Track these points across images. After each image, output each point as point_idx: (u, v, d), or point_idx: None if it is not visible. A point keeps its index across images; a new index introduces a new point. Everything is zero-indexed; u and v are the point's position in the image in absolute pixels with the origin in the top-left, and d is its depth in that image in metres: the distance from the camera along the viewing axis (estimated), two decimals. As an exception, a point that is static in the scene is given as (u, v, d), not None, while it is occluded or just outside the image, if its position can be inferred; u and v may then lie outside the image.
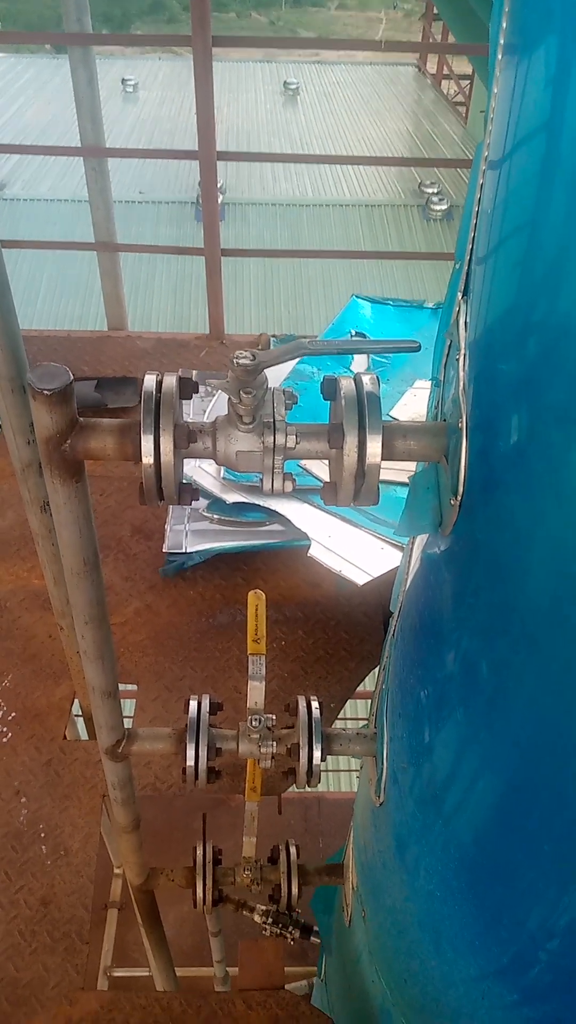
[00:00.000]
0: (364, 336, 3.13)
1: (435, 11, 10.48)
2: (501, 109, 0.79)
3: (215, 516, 2.46)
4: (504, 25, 0.77)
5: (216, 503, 2.47)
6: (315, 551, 2.24)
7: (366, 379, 0.98)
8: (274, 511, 2.41)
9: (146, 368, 3.27)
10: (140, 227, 8.46)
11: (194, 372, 3.24)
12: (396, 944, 1.47)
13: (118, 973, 3.73)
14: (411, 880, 1.30)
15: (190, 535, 2.45)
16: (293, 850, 1.84)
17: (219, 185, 8.66)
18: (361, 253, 7.09)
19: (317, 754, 1.41)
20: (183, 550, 2.43)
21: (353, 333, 3.14)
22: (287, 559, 2.45)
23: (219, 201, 8.56)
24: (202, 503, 2.48)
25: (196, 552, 2.42)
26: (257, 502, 2.46)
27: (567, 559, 0.73)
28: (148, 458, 0.93)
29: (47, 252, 7.50)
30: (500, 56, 0.78)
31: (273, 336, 3.26)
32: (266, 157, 8.06)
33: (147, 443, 0.93)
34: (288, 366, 2.83)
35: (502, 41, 0.78)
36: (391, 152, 10.01)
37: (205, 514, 2.47)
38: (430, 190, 8.77)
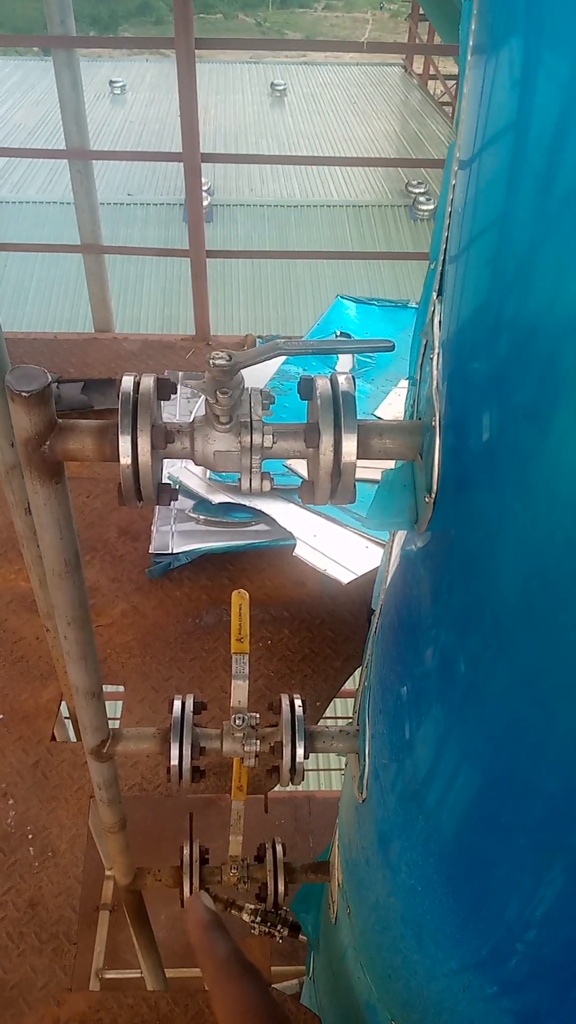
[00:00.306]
0: (349, 336, 3.15)
1: (421, 11, 10.52)
2: (470, 109, 0.80)
3: (201, 516, 2.47)
4: (473, 26, 0.78)
5: (202, 504, 2.48)
6: (300, 550, 2.25)
7: (341, 379, 0.99)
8: (260, 511, 2.42)
9: (132, 369, 3.27)
10: (129, 229, 8.48)
11: (180, 373, 3.25)
12: (380, 939, 1.48)
13: (110, 975, 3.73)
14: (393, 876, 1.31)
15: (176, 536, 2.46)
16: (279, 848, 1.85)
17: (207, 187, 8.72)
18: (345, 254, 7.12)
19: (300, 751, 1.43)
20: (169, 551, 2.43)
21: (338, 333, 3.15)
22: (273, 559, 2.46)
23: (207, 203, 8.61)
24: (188, 504, 2.49)
25: (182, 553, 2.43)
26: (243, 502, 2.47)
27: (535, 555, 0.75)
28: (126, 459, 0.94)
29: (36, 254, 7.51)
30: (469, 56, 0.80)
31: (259, 337, 3.27)
32: (250, 159, 8.09)
33: (125, 444, 0.94)
34: (273, 366, 2.84)
35: (471, 42, 0.79)
36: (378, 152, 10.05)
37: (191, 515, 2.48)
38: (417, 190, 8.82)
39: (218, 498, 2.48)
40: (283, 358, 2.71)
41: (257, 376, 2.91)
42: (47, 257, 7.42)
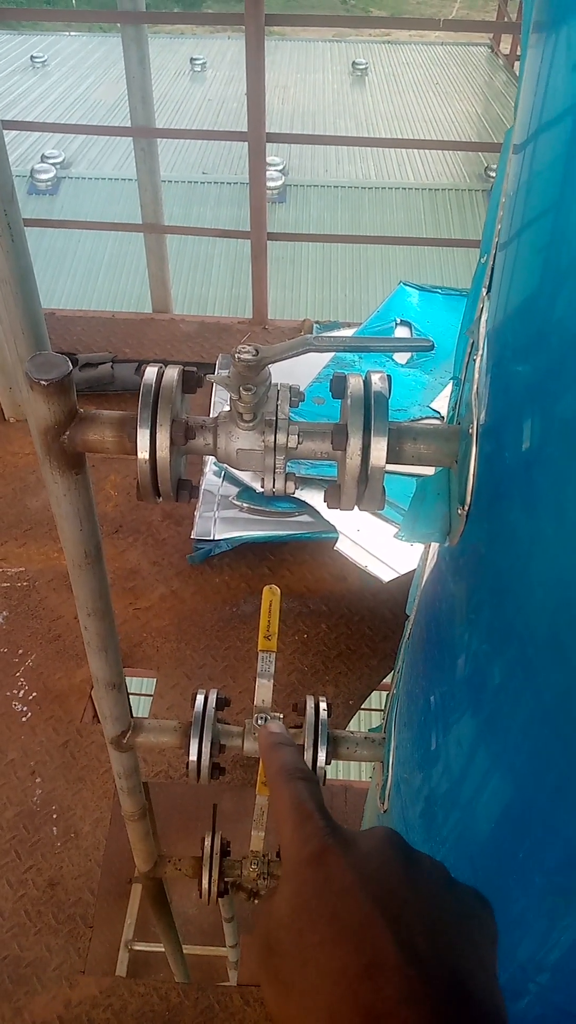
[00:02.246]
0: (410, 325, 3.06)
1: (511, -10, 10.19)
2: (528, 90, 0.74)
3: (244, 504, 2.44)
4: (537, 3, 0.71)
5: (246, 491, 2.45)
6: (342, 545, 2.20)
7: (375, 377, 0.93)
8: (304, 502, 2.38)
9: (188, 352, 3.26)
10: (202, 208, 8.46)
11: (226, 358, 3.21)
12: (395, 955, 1.44)
13: (139, 947, 3.79)
14: (410, 894, 1.27)
15: (219, 522, 2.44)
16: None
17: (282, 167, 8.63)
18: (409, 239, 6.97)
19: (322, 757, 1.39)
20: (211, 537, 2.41)
21: (398, 321, 3.07)
22: (314, 551, 2.42)
23: (281, 183, 8.51)
24: (232, 490, 2.46)
25: (224, 540, 2.40)
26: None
27: (564, 585, 0.68)
28: (143, 453, 0.91)
29: (108, 232, 7.55)
30: (531, 35, 0.73)
31: (316, 323, 3.21)
32: (316, 139, 7.97)
33: (143, 438, 0.90)
34: (328, 354, 2.78)
35: (534, 19, 0.72)
36: (459, 135, 9.80)
37: (235, 502, 2.45)
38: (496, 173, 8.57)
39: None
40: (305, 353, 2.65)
41: (313, 363, 2.86)
42: (117, 235, 7.44)
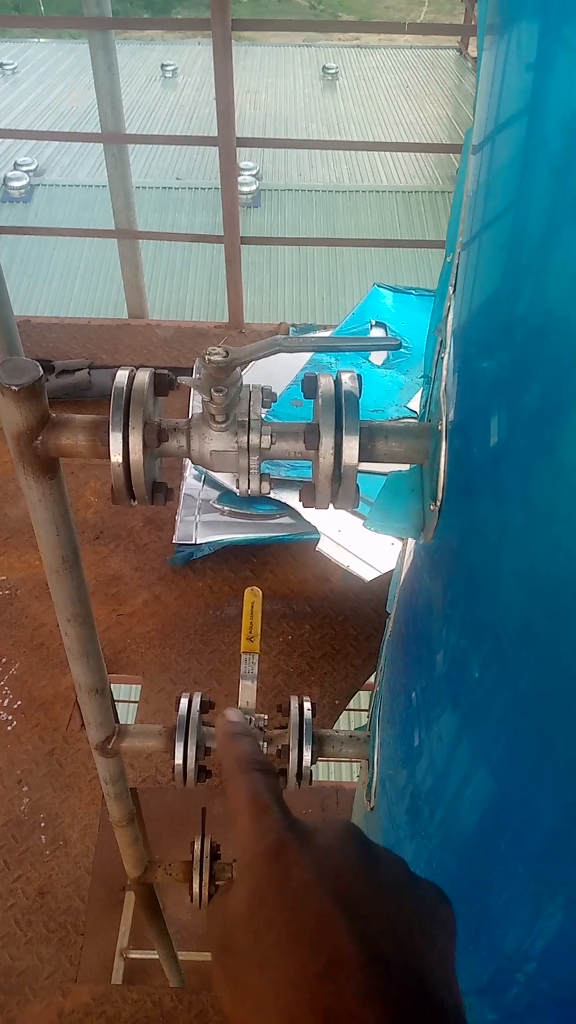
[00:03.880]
0: (385, 326, 3.08)
1: (478, -8, 10.27)
2: (484, 91, 0.75)
3: (226, 508, 2.44)
4: (490, 5, 0.73)
5: (227, 494, 2.45)
6: (324, 546, 2.21)
7: (345, 377, 0.94)
8: (285, 504, 2.38)
9: (165, 357, 3.26)
10: (177, 213, 8.46)
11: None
12: (386, 951, 1.45)
13: (134, 955, 3.77)
14: (397, 889, 1.28)
15: (200, 526, 2.44)
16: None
17: (255, 171, 8.64)
18: (384, 241, 7.00)
19: (308, 756, 1.39)
20: (193, 541, 2.41)
21: (373, 323, 3.09)
22: (297, 552, 2.43)
23: (254, 187, 8.53)
24: (213, 494, 2.46)
25: (206, 543, 2.40)
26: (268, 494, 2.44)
27: (534, 576, 0.69)
28: (116, 456, 0.91)
29: (82, 239, 7.53)
30: (486, 37, 0.75)
31: (292, 326, 3.22)
32: (287, 144, 8.00)
33: (115, 441, 0.90)
34: (305, 357, 2.79)
35: (488, 22, 0.74)
36: (431, 137, 9.86)
37: (216, 505, 2.45)
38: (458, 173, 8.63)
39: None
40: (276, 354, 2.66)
41: (290, 366, 2.87)
42: (93, 241, 7.43)
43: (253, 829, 0.45)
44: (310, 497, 0.96)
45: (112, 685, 1.35)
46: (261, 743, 1.42)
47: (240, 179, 3.16)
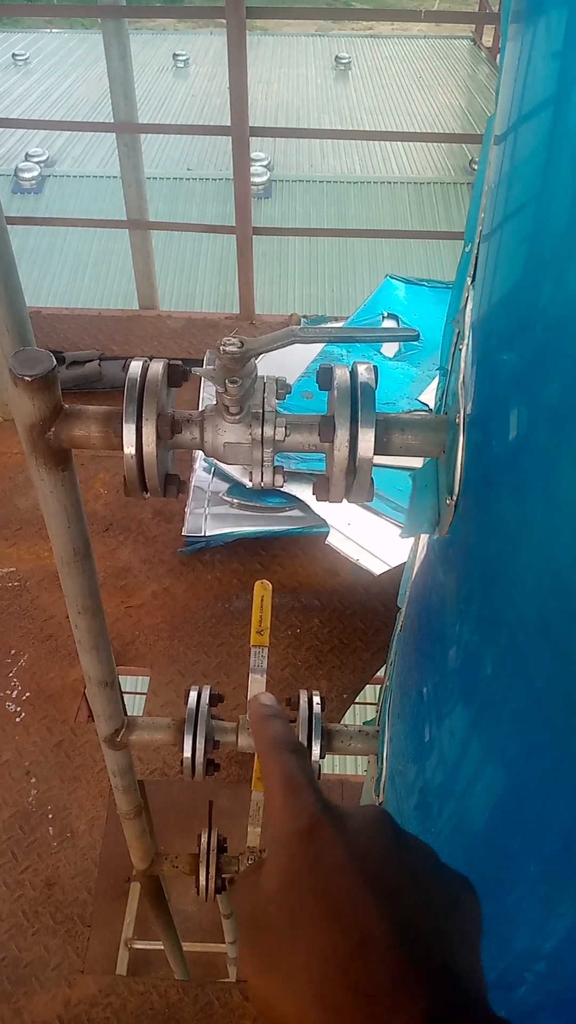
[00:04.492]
0: (396, 318, 3.06)
1: (493, -19, 10.18)
2: (507, 81, 0.74)
3: (235, 500, 2.43)
4: (514, -7, 0.71)
5: (236, 487, 2.44)
6: (333, 539, 2.20)
7: (361, 368, 0.93)
8: (294, 496, 2.37)
9: (175, 348, 3.25)
10: (188, 204, 8.43)
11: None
12: (393, 947, 1.44)
13: (138, 945, 3.79)
14: (406, 885, 1.27)
15: (209, 519, 2.43)
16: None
17: (267, 162, 8.60)
18: (394, 232, 6.97)
19: (316, 751, 1.39)
20: (202, 533, 2.41)
21: (385, 314, 3.07)
22: (306, 545, 2.42)
23: (266, 178, 8.49)
24: (222, 486, 2.46)
25: (215, 536, 2.40)
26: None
27: (552, 573, 0.68)
28: (130, 448, 0.90)
29: (94, 230, 7.51)
30: (510, 26, 0.73)
31: (304, 317, 3.20)
32: (299, 133, 7.96)
33: (129, 433, 0.89)
34: (316, 348, 2.77)
35: (512, 9, 0.72)
36: (443, 128, 9.79)
37: (225, 498, 2.44)
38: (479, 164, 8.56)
39: (254, 481, 2.44)
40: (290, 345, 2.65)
41: (301, 357, 2.85)
42: (103, 232, 7.41)
43: (287, 809, 0.45)
44: (324, 490, 0.95)
45: (120, 677, 1.34)
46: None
47: (252, 170, 3.15)
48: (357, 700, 2.22)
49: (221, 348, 0.89)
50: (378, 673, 2.26)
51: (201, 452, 1.01)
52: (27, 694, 2.16)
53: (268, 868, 0.44)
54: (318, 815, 0.44)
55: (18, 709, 2.13)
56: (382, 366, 2.82)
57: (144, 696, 2.21)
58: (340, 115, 10.15)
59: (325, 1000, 0.36)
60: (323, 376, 0.93)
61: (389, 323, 3.06)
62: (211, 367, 0.89)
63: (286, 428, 0.93)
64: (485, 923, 1.02)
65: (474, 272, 0.88)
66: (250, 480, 0.96)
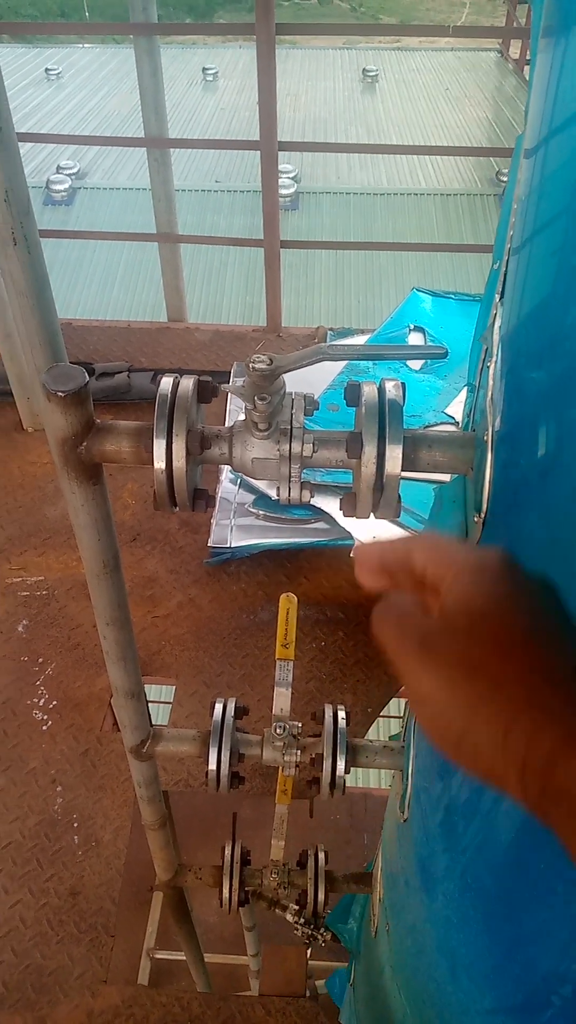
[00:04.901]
0: (423, 330, 3.06)
1: (521, -6, 10.19)
2: (537, 95, 0.74)
3: (260, 512, 2.44)
4: (546, 7, 0.72)
5: (262, 499, 2.45)
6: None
7: (389, 385, 0.93)
8: (320, 509, 2.38)
9: (203, 360, 3.27)
10: (215, 216, 8.49)
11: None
12: (416, 963, 1.43)
13: (160, 955, 3.79)
14: (430, 902, 1.26)
15: (235, 530, 2.44)
16: (322, 856, 1.81)
17: (294, 174, 8.65)
18: (421, 245, 6.96)
19: (341, 766, 1.39)
20: (228, 544, 2.42)
21: (411, 327, 3.07)
22: (331, 558, 2.42)
23: (293, 190, 8.53)
24: (248, 498, 2.47)
25: (240, 547, 2.41)
26: (303, 499, 2.43)
27: (581, 593, 0.68)
28: (160, 463, 0.91)
29: (123, 242, 7.59)
30: (540, 40, 0.73)
31: (330, 329, 3.21)
32: (328, 147, 7.99)
33: (159, 448, 0.90)
34: (342, 361, 2.78)
35: (543, 24, 0.73)
36: (470, 140, 9.79)
37: (251, 510, 2.45)
38: (508, 179, 8.53)
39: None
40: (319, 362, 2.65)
41: (327, 369, 2.86)
42: (132, 244, 7.48)
43: (470, 550, 0.49)
44: (351, 506, 0.95)
45: (146, 687, 1.35)
46: (295, 751, 1.41)
47: (279, 182, 3.17)
48: (383, 713, 2.22)
49: (251, 366, 0.89)
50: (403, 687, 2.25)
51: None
52: (54, 702, 2.18)
53: (469, 591, 0.46)
54: (505, 552, 0.48)
55: (45, 717, 2.15)
56: (408, 379, 2.82)
57: (169, 705, 2.22)
58: (367, 127, 10.19)
59: (534, 703, 0.39)
60: (351, 392, 0.94)
61: (415, 336, 3.07)
62: (240, 384, 0.90)
63: (314, 444, 0.94)
64: (511, 943, 1.02)
65: (502, 289, 0.88)
66: (277, 494, 0.97)
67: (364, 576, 0.57)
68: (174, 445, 0.90)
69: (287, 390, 0.95)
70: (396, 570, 0.54)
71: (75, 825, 1.93)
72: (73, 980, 1.66)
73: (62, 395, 0.91)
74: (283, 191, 8.09)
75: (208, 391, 0.95)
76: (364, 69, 11.43)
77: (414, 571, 0.52)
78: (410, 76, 11.60)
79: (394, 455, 0.90)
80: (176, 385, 0.93)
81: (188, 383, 0.94)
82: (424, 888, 1.29)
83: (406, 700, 1.52)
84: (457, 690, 0.42)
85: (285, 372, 0.92)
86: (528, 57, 11.26)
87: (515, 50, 11.44)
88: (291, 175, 8.60)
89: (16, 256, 2.39)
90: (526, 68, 11.01)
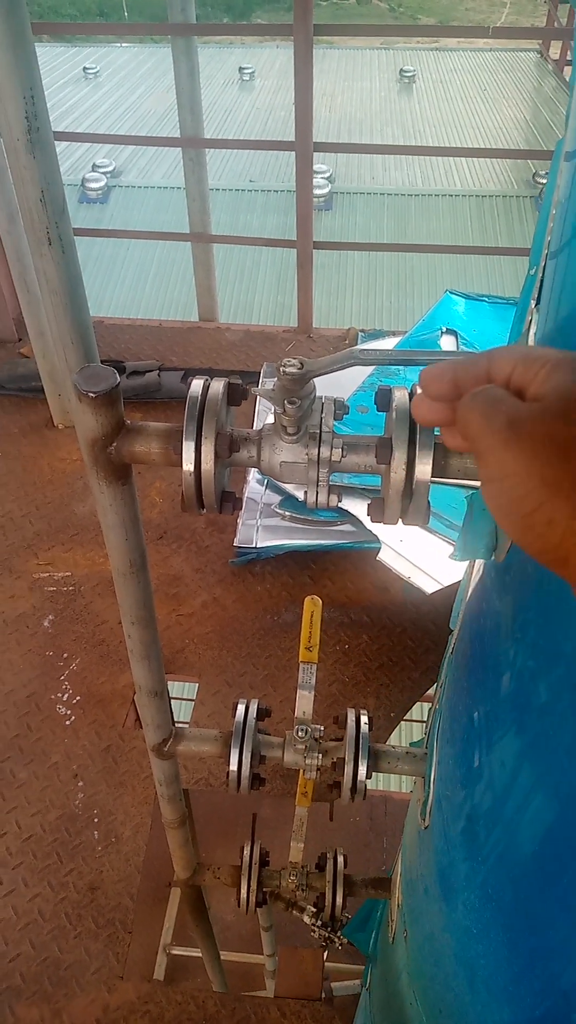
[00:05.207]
0: (456, 333, 3.04)
1: (562, -6, 10.07)
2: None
3: (287, 513, 2.44)
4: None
5: (288, 500, 2.45)
6: (384, 555, 2.18)
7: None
8: (346, 511, 2.37)
9: (233, 360, 3.28)
10: (249, 215, 8.51)
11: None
12: (433, 972, 1.42)
13: (176, 951, 3.80)
14: (449, 911, 1.25)
15: (261, 530, 2.44)
16: (341, 859, 1.80)
17: (328, 174, 8.63)
18: (454, 248, 6.91)
19: (363, 771, 1.38)
20: (253, 545, 2.42)
21: (444, 330, 3.05)
22: (356, 560, 2.41)
23: (327, 190, 8.51)
24: (275, 499, 2.47)
25: (266, 548, 2.41)
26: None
27: (613, 607, 0.67)
28: (188, 465, 0.91)
29: (156, 240, 7.62)
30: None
31: (361, 331, 3.20)
32: (363, 148, 7.97)
33: (188, 450, 0.90)
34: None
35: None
36: (507, 141, 9.72)
37: (277, 510, 2.45)
38: (545, 181, 8.44)
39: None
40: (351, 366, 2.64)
41: (358, 372, 2.85)
42: (166, 243, 7.52)
43: (562, 351, 0.48)
44: (379, 512, 0.94)
45: (169, 684, 1.36)
46: (316, 754, 1.41)
47: (313, 182, 3.16)
48: (406, 717, 2.21)
49: (281, 370, 0.89)
50: (428, 692, 2.24)
51: (256, 467, 1.02)
52: (77, 698, 2.20)
53: (566, 379, 0.46)
54: None
55: (68, 712, 2.17)
56: (439, 382, 2.79)
57: (191, 703, 2.23)
58: (403, 128, 10.15)
59: None
60: (381, 397, 0.93)
61: (448, 338, 3.04)
62: (270, 388, 0.90)
63: (343, 449, 0.93)
64: (530, 957, 1.01)
65: (538, 295, 0.87)
66: (304, 497, 0.96)
67: (428, 400, 0.59)
68: (203, 448, 0.90)
69: (317, 394, 0.95)
70: (471, 385, 0.53)
71: (95, 821, 1.94)
72: (90, 975, 1.68)
73: (93, 396, 0.92)
74: (317, 191, 8.08)
75: (238, 394, 0.95)
76: (401, 69, 11.39)
77: (495, 379, 0.52)
78: (448, 76, 11.53)
79: (424, 461, 0.89)
80: (206, 387, 0.93)
81: (218, 386, 0.94)
82: (443, 897, 1.28)
83: (431, 705, 1.51)
84: (541, 466, 0.43)
85: (316, 376, 0.92)
86: (569, 58, 11.15)
87: (555, 51, 11.32)
88: (326, 175, 8.59)
89: (51, 255, 2.41)
90: (567, 69, 10.89)
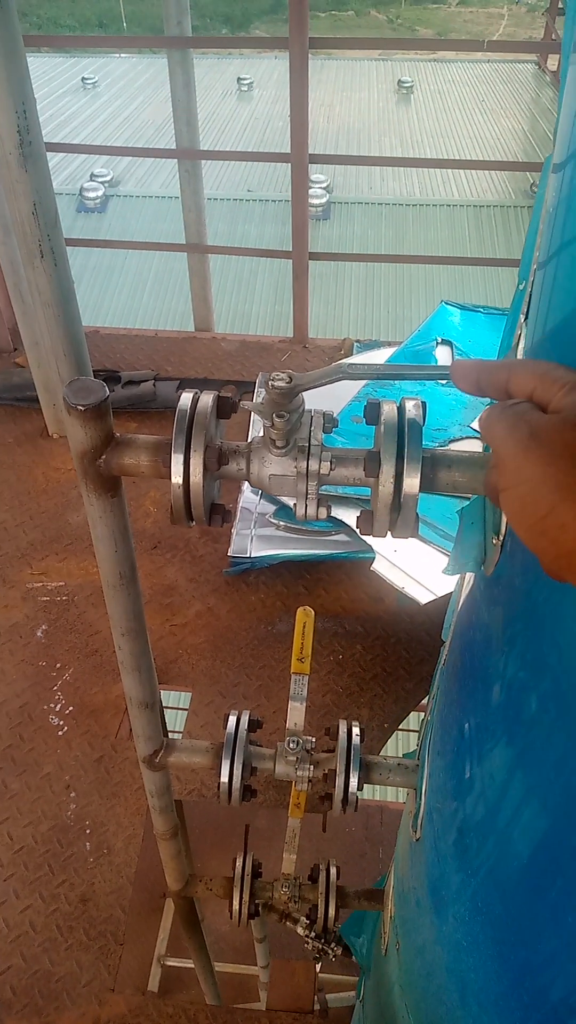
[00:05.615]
0: (451, 344, 3.05)
1: (560, 5, 10.14)
2: (568, 108, 0.74)
3: (281, 523, 2.44)
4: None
5: (283, 510, 2.45)
6: (379, 566, 2.18)
7: (409, 404, 0.93)
8: (341, 521, 2.37)
9: (229, 370, 3.28)
10: (247, 225, 8.53)
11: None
12: (425, 985, 1.41)
13: (171, 963, 3.78)
14: (440, 924, 1.25)
15: (255, 540, 2.44)
16: (333, 871, 1.80)
17: (326, 184, 8.66)
18: (450, 259, 6.94)
19: (354, 782, 1.38)
20: (247, 555, 2.42)
21: (439, 341, 3.06)
22: (351, 571, 2.41)
23: (324, 200, 8.54)
24: (269, 508, 2.47)
25: (260, 557, 2.41)
26: (325, 511, 2.43)
27: (598, 621, 0.67)
28: (177, 478, 0.91)
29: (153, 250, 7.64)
30: (572, 55, 0.73)
31: (357, 341, 3.21)
32: (358, 160, 8.01)
33: (177, 463, 0.91)
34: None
35: (574, 40, 0.72)
36: (505, 152, 9.76)
37: (271, 520, 2.45)
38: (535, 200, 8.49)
39: (301, 505, 2.45)
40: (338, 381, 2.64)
41: (351, 382, 2.86)
42: (163, 253, 7.54)
43: None
44: (368, 524, 0.95)
45: (162, 694, 1.36)
46: (307, 766, 1.41)
47: (310, 192, 3.18)
48: (401, 727, 2.20)
49: (270, 383, 0.90)
50: (421, 702, 2.23)
51: (247, 480, 1.02)
52: (70, 708, 2.19)
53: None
54: None
55: (61, 723, 2.16)
56: (434, 392, 2.81)
57: (185, 712, 2.22)
58: (401, 138, 10.20)
59: None
60: (370, 411, 0.93)
61: (443, 349, 3.05)
62: (260, 402, 0.90)
63: (331, 462, 0.94)
64: (520, 970, 1.00)
65: (527, 310, 0.87)
66: (296, 511, 0.97)
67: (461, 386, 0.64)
68: (192, 460, 0.90)
69: (306, 407, 0.95)
70: (490, 391, 0.58)
71: (87, 832, 1.94)
72: (81, 987, 1.67)
73: (82, 409, 0.92)
74: (315, 201, 8.11)
75: (228, 407, 0.95)
76: (399, 80, 11.45)
77: (511, 393, 0.56)
78: (446, 87, 11.60)
79: (412, 475, 0.89)
80: (195, 400, 0.93)
81: (208, 399, 0.94)
82: (435, 909, 1.28)
83: (424, 716, 1.51)
84: (557, 472, 0.45)
85: (304, 390, 0.92)
86: (561, 74, 11.20)
87: (553, 63, 11.40)
88: (323, 185, 8.62)
89: (43, 268, 2.41)
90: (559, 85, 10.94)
